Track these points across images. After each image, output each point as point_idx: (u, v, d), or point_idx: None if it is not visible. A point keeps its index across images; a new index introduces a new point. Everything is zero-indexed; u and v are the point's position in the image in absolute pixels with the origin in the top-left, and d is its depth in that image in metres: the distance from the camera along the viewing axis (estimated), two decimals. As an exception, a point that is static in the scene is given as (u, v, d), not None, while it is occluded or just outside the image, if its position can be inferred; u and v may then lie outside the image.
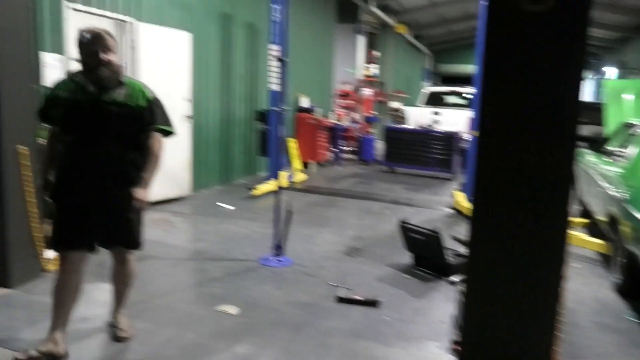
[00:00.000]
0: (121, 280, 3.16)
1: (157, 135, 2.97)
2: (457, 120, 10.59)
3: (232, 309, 3.63)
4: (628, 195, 4.17)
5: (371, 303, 3.81)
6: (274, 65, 7.36)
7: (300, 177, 8.82)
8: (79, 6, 5.23)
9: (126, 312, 3.24)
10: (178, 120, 6.54)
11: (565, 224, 2.51)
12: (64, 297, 2.90)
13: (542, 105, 2.41)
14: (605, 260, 4.94)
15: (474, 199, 2.63)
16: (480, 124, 2.55)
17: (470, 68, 26.91)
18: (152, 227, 5.48)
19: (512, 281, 2.57)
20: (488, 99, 2.51)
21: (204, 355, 3.03)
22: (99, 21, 5.44)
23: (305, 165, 9.91)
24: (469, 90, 12.82)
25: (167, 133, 3.03)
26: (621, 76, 21.32)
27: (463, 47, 27.29)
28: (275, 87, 7.41)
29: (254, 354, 3.07)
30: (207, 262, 4.59)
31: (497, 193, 2.56)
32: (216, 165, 7.83)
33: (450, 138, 9.60)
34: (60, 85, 2.91)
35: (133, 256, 3.11)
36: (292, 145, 9.55)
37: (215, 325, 3.39)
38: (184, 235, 5.57)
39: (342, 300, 3.85)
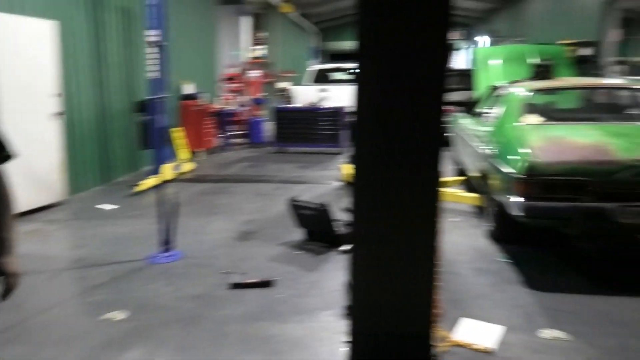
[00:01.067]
0: None
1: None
2: (342, 96, 10.82)
3: (119, 315, 3.42)
4: (495, 151, 4.50)
5: (265, 284, 3.79)
6: (152, 52, 6.95)
7: (188, 167, 8.53)
8: None
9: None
10: (44, 119, 5.98)
11: (437, 182, 2.63)
12: None
13: (411, 71, 2.49)
14: (480, 212, 5.34)
15: (354, 167, 2.69)
16: (357, 92, 2.59)
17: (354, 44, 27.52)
18: (23, 241, 5.01)
19: (392, 240, 2.67)
20: (362, 68, 2.55)
21: (88, 366, 2.83)
22: None
23: (194, 154, 9.60)
24: (353, 66, 13.12)
25: (4, 159, 1.99)
26: (493, 44, 23.02)
27: (349, 24, 27.87)
28: (155, 74, 7.02)
29: (147, 357, 2.93)
30: (89, 269, 4.28)
31: (373, 159, 2.63)
32: (94, 164, 7.30)
33: (336, 113, 9.78)
34: None
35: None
36: (178, 134, 9.18)
37: (101, 336, 3.17)
38: (61, 243, 5.16)
39: (236, 286, 3.79)
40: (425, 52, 2.45)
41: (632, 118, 4.73)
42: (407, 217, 2.64)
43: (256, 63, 13.76)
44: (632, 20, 21.35)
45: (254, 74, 13.32)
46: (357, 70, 2.53)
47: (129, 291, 3.79)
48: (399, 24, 2.43)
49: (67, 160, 6.49)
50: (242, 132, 11.72)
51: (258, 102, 12.47)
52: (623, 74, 14.27)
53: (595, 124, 4.43)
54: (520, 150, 3.95)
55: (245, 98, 12.55)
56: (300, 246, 4.62)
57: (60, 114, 6.20)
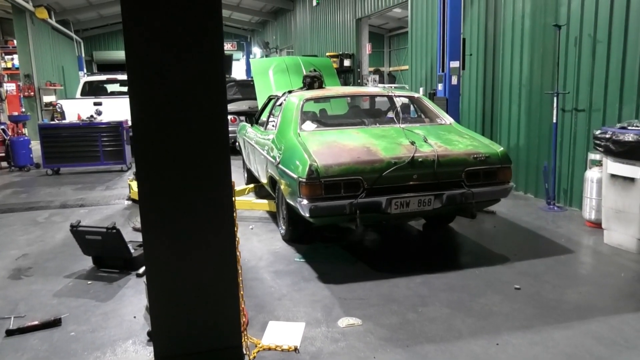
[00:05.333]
0: None
1: None
2: (121, 109, 10.18)
3: None
4: (279, 157, 4.77)
5: (51, 324, 3.37)
6: None
7: None
8: None
9: None
10: None
11: (230, 192, 2.69)
12: None
13: (189, 81, 2.49)
14: (274, 217, 5.61)
15: (139, 183, 2.57)
16: (133, 106, 2.48)
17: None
18: None
19: (189, 257, 2.64)
20: (134, 84, 2.45)
21: None
22: None
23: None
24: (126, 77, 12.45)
25: None
26: (264, 55, 24.21)
27: (117, 33, 26.24)
28: None
29: None
30: None
31: (159, 173, 2.55)
32: None
33: (117, 127, 9.17)
34: None
35: None
36: None
37: None
38: None
39: (12, 332, 3.28)
40: (201, 59, 2.49)
41: (389, 121, 5.49)
42: (203, 230, 2.65)
43: (11, 74, 12.04)
44: (381, 35, 24.80)
45: (10, 86, 11.64)
46: (130, 83, 2.44)
47: None
48: (170, 33, 2.43)
49: None
50: (1, 155, 10.12)
51: (18, 120, 10.90)
52: (378, 82, 16.49)
53: (360, 128, 5.00)
54: (301, 156, 4.26)
55: (0, 115, 10.88)
56: (90, 276, 4.22)
57: None
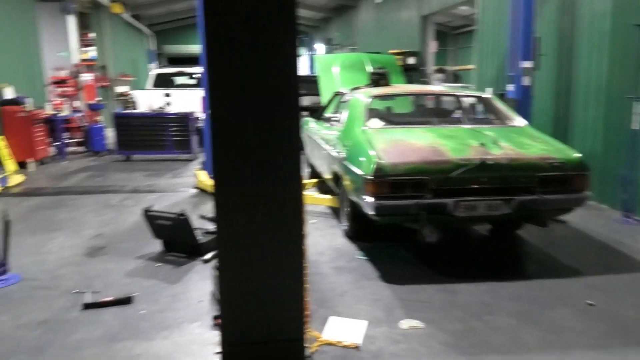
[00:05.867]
0: None
1: None
2: (189, 101, 10.54)
3: (-57, 354, 2.93)
4: (345, 153, 4.78)
5: (123, 301, 3.54)
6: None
7: (16, 179, 7.56)
8: None
9: None
10: None
11: (300, 187, 2.72)
12: None
13: (265, 77, 2.53)
14: (336, 212, 5.63)
15: (215, 175, 2.64)
16: (211, 100, 2.55)
17: (194, 48, 26.82)
18: None
19: (259, 247, 2.69)
20: (213, 79, 2.51)
21: None
22: None
23: (22, 165, 8.53)
24: (196, 70, 12.85)
25: None
26: (328, 51, 24.28)
27: (186, 27, 27.09)
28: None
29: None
30: None
31: (234, 165, 2.61)
32: None
33: (184, 119, 9.48)
34: None
35: None
36: (0, 144, 8.09)
37: None
38: None
39: (88, 306, 3.48)
40: (277, 58, 2.53)
41: (457, 121, 5.37)
42: (273, 222, 2.69)
43: (87, 66, 12.70)
44: (445, 33, 24.31)
45: (86, 77, 12.28)
46: (210, 77, 2.50)
47: (-46, 326, 3.26)
48: (248, 29, 2.47)
49: None
50: (79, 140, 10.73)
51: (94, 108, 11.52)
52: (442, 81, 16.17)
53: (427, 127, 4.91)
54: (368, 153, 4.25)
55: (79, 103, 11.50)
56: (159, 258, 4.40)
57: None
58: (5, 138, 8.37)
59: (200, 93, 10.38)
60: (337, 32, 24.06)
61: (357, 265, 4.27)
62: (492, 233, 5.26)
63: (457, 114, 5.77)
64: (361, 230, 4.81)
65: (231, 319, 2.78)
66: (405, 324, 3.28)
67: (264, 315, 2.77)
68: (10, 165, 7.97)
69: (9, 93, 9.01)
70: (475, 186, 4.10)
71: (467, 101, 5.83)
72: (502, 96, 7.15)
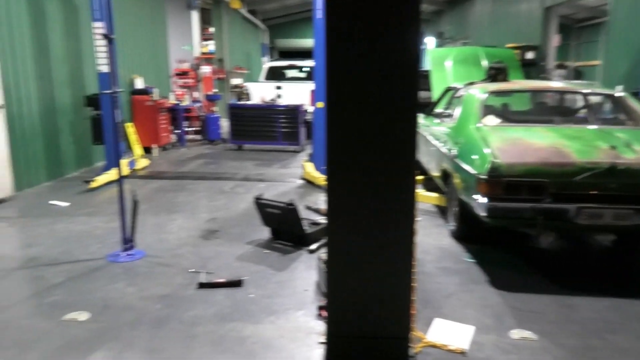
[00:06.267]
0: None
1: None
2: (299, 93, 10.82)
3: (81, 316, 3.27)
4: (456, 151, 4.62)
5: (234, 283, 3.72)
6: (100, 45, 6.69)
7: (142, 163, 8.26)
8: None
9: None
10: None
11: (413, 183, 2.67)
12: None
13: (386, 72, 2.50)
14: (442, 211, 5.47)
15: (327, 168, 2.67)
16: (328, 96, 2.57)
17: (306, 42, 27.40)
18: (-32, 238, 4.71)
19: (369, 242, 2.68)
20: (332, 72, 2.53)
21: (52, 373, 2.68)
22: None
23: (147, 150, 9.30)
24: (307, 64, 13.13)
25: None
26: (439, 45, 23.63)
27: (298, 22, 27.80)
28: (104, 68, 6.76)
29: (114, 360, 2.81)
30: (44, 268, 4.06)
31: (348, 160, 2.62)
32: (42, 160, 6.93)
33: (294, 111, 9.73)
34: None
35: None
36: (130, 130, 8.88)
37: (63, 338, 3.02)
38: (11, 242, 4.86)
39: (203, 285, 3.70)
40: (399, 52, 2.47)
41: (582, 121, 4.96)
42: (384, 217, 2.65)
43: (206, 58, 13.50)
44: (567, 26, 22.57)
45: (205, 69, 13.07)
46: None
47: (89, 291, 3.63)
48: (372, 23, 2.44)
49: (12, 154, 6.13)
50: (196, 129, 11.47)
51: (211, 99, 12.24)
52: (563, 77, 15.05)
53: (549, 126, 4.58)
54: (482, 152, 4.06)
55: (198, 94, 12.29)
56: (267, 245, 4.57)
57: (1, 106, 5.84)
58: (134, 125, 9.17)
59: (309, 86, 10.62)
60: (449, 25, 23.31)
61: (464, 268, 4.12)
62: (616, 244, 4.80)
63: (583, 113, 5.34)
64: (469, 232, 4.62)
65: (337, 311, 2.80)
66: (517, 334, 3.11)
67: (370, 311, 2.76)
68: (138, 150, 8.73)
69: (139, 83, 9.84)
70: (599, 192, 3.76)
71: (594, 99, 5.36)
72: (636, 95, 6.49)
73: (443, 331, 3.11)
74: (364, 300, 2.74)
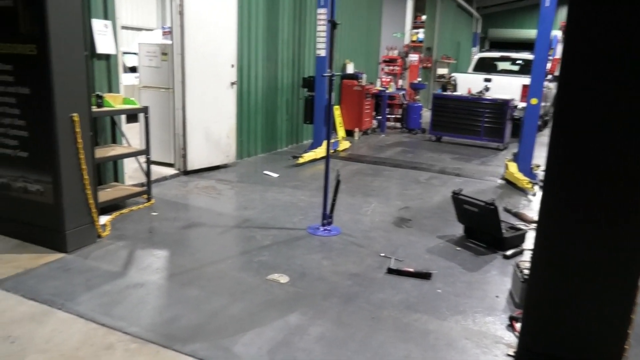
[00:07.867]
0: None
1: None
2: (509, 87, 10.17)
3: (282, 278, 3.60)
4: None
5: (423, 275, 3.71)
6: (322, 30, 7.17)
7: (344, 145, 8.70)
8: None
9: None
10: (224, 88, 6.48)
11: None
12: None
13: None
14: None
15: (547, 172, 2.44)
16: (559, 94, 2.34)
17: (521, 33, 25.53)
18: (200, 194, 5.53)
19: (584, 258, 2.40)
20: (570, 81, 2.28)
21: (255, 324, 3.02)
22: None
23: (349, 133, 9.75)
24: (522, 56, 12.24)
25: None
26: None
27: (515, 11, 26.07)
28: (323, 52, 7.24)
29: (306, 324, 3.03)
30: (255, 230, 4.58)
31: (571, 166, 2.37)
32: (260, 133, 7.79)
33: (502, 105, 9.19)
34: None
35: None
36: (337, 112, 9.40)
37: (265, 294, 3.38)
38: (231, 202, 5.58)
39: (392, 271, 3.76)
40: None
41: None
42: (607, 233, 2.34)
43: (414, 47, 13.50)
44: None
45: (413, 57, 13.10)
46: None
47: (290, 257, 3.98)
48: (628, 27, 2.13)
49: (238, 126, 6.99)
50: (397, 117, 11.64)
51: (415, 87, 12.25)
52: None
53: None
54: None
55: (403, 82, 12.41)
56: (459, 242, 4.45)
57: (233, 83, 6.66)
58: (341, 108, 9.67)
59: (522, 80, 9.91)
60: None
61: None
62: None
63: None
64: None
65: (534, 326, 2.60)
66: None
67: (573, 332, 2.50)
68: (341, 132, 9.21)
69: (350, 68, 10.32)
70: None
71: None
72: None
73: (661, 376, 2.67)
74: (567, 319, 2.49)
